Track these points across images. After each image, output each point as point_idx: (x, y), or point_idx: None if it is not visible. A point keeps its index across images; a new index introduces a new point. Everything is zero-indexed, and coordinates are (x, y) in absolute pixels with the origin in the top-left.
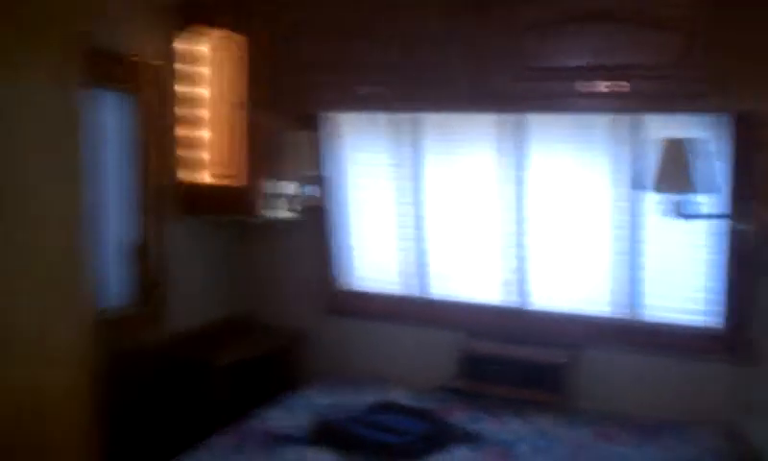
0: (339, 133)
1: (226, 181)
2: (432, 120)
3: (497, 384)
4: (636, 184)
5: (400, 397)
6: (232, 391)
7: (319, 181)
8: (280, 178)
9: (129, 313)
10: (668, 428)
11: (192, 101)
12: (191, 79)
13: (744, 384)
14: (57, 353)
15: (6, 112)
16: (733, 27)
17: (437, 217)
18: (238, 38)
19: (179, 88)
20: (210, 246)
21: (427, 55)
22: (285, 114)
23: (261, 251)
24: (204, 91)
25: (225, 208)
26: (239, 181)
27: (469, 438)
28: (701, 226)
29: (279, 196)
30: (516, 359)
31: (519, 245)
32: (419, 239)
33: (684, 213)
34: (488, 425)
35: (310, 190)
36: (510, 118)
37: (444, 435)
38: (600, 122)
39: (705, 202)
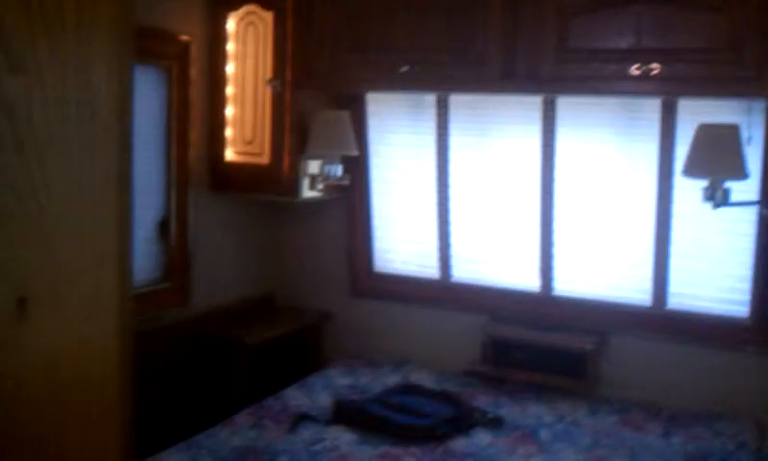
0: (367, 113)
1: (255, 160)
2: (461, 101)
3: (522, 369)
4: (667, 170)
5: (423, 379)
6: (257, 370)
7: (347, 161)
8: (310, 157)
9: (155, 289)
10: (696, 419)
11: (223, 77)
12: (222, 55)
13: None
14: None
15: (62, 88)
16: None
17: (464, 200)
18: (267, 15)
19: (210, 65)
20: (239, 224)
21: (462, 34)
22: (318, 93)
23: (289, 230)
24: (234, 68)
25: (254, 187)
26: (268, 159)
27: (493, 423)
28: (732, 213)
29: (309, 176)
30: (541, 345)
31: (547, 229)
32: (445, 222)
33: (715, 200)
34: (511, 410)
35: (339, 171)
36: (540, 101)
37: (468, 419)
38: (631, 106)
39: (736, 188)
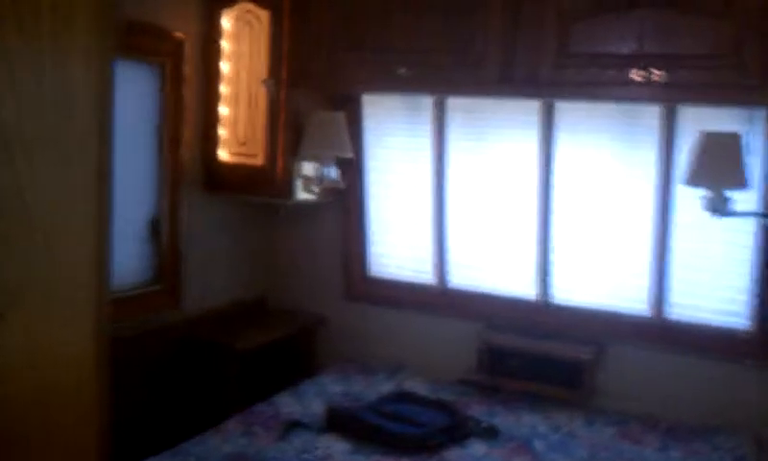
0: (363, 115)
1: (249, 160)
2: (458, 104)
3: (517, 378)
4: (667, 177)
5: (417, 387)
6: (249, 375)
7: (343, 164)
8: (305, 159)
9: (146, 291)
10: (694, 432)
11: (218, 76)
12: (217, 53)
13: None
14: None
15: (37, 83)
16: None
17: (461, 204)
18: (262, 13)
19: (204, 63)
20: (232, 226)
21: (461, 35)
22: (314, 94)
23: (283, 233)
24: (229, 67)
25: (248, 188)
26: (262, 160)
27: (487, 433)
28: (734, 223)
29: (303, 178)
30: (537, 354)
31: (544, 236)
32: (441, 227)
33: (717, 210)
34: (506, 420)
35: (333, 173)
36: (539, 105)
37: (462, 429)
38: (631, 112)
39: (739, 198)
